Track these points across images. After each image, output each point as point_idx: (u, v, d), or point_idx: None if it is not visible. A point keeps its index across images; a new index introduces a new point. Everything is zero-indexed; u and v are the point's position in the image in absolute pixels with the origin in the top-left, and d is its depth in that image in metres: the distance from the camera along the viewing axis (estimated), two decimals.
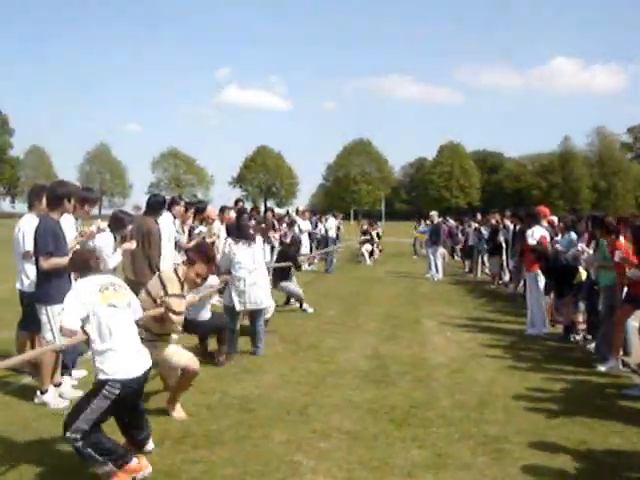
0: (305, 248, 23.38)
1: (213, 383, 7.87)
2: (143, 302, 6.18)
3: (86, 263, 5.49)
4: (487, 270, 21.85)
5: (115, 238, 8.47)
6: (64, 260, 6.77)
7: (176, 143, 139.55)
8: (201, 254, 6.56)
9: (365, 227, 30.15)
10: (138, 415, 5.41)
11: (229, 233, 10.50)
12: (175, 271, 6.58)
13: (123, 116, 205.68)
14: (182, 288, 6.45)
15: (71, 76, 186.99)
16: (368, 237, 29.10)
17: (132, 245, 8.43)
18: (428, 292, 18.20)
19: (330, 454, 5.72)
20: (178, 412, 6.62)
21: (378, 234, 31.17)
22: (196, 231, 11.87)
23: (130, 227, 8.67)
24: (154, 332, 6.43)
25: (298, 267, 13.84)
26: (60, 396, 7.02)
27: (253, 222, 16.57)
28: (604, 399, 7.60)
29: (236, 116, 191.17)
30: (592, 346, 10.04)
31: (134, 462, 5.05)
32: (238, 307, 9.39)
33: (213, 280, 8.24)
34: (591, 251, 10.00)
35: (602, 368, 8.82)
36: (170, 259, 9.83)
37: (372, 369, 8.77)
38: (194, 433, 6.16)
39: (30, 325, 7.42)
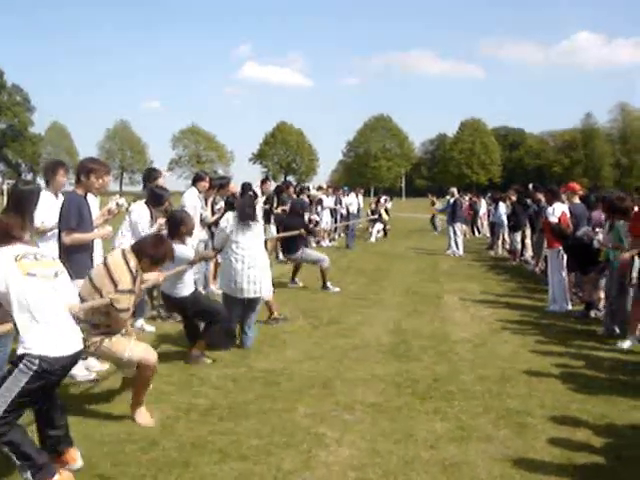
0: (326, 224, 23.46)
1: (237, 357, 7.96)
2: (82, 288, 5.69)
3: (5, 232, 4.66)
4: (507, 246, 21.83)
5: (152, 214, 8.61)
6: (87, 236, 6.87)
7: (196, 120, 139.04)
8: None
9: (373, 206, 29.72)
10: (53, 407, 4.77)
11: (229, 206, 10.37)
12: (124, 256, 5.77)
13: (143, 93, 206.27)
14: (134, 276, 5.69)
15: (92, 53, 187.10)
16: (376, 216, 28.57)
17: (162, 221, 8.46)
18: (449, 268, 18.23)
19: (354, 426, 5.79)
20: (142, 417, 5.79)
21: (387, 210, 30.57)
22: (217, 206, 11.94)
23: (167, 203, 8.84)
24: (98, 324, 5.70)
25: (309, 232, 13.65)
26: (87, 369, 7.12)
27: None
28: (625, 374, 7.61)
29: (256, 92, 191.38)
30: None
31: (55, 479, 4.37)
32: (235, 293, 8.43)
33: (187, 251, 7.65)
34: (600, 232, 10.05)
35: (623, 346, 8.83)
36: (195, 234, 9.96)
37: (395, 343, 8.83)
38: (220, 405, 6.24)
39: None
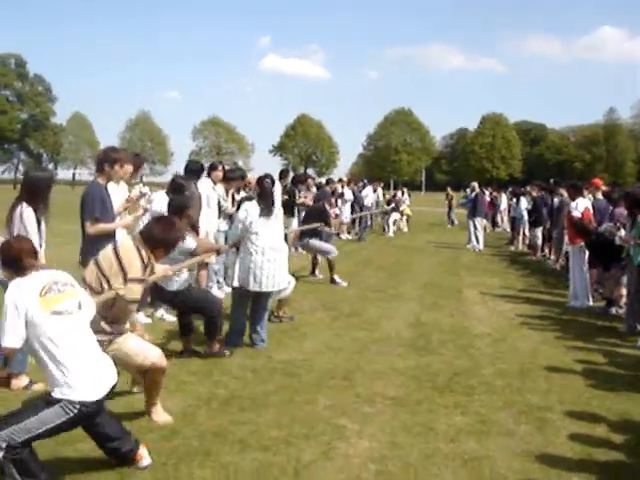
0: (346, 219, 23.43)
1: (257, 348, 7.99)
2: (87, 272, 5.45)
3: (15, 259, 4.36)
4: (527, 241, 21.77)
5: None
6: (110, 226, 6.92)
7: (217, 111, 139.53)
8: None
9: (389, 197, 29.45)
10: (102, 424, 4.55)
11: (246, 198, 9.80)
12: (135, 243, 5.55)
13: (164, 84, 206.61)
14: (145, 264, 5.49)
15: (113, 45, 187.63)
16: (389, 208, 27.73)
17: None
18: (469, 262, 18.21)
19: (374, 419, 5.80)
20: (159, 415, 5.64)
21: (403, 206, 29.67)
22: (238, 197, 11.99)
23: (188, 192, 8.86)
24: (105, 316, 5.29)
25: (328, 225, 13.37)
26: None
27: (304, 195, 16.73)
28: None
29: (276, 84, 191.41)
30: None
31: None
32: (252, 286, 7.94)
33: (190, 243, 7.38)
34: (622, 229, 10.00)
35: None
36: (210, 224, 10.02)
37: (415, 337, 8.83)
38: (240, 395, 6.27)
39: None
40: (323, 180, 26.27)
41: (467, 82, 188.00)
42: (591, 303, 11.40)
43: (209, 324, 7.59)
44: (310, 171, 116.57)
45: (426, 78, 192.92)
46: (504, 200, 31.47)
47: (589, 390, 6.78)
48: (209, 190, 10.47)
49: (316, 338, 8.62)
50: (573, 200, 11.77)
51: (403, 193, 31.52)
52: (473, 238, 21.85)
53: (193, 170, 10.11)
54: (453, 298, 12.01)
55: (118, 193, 7.69)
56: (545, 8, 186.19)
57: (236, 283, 8.16)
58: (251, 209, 8.03)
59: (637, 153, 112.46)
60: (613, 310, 10.81)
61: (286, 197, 15.71)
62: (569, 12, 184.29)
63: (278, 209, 8.55)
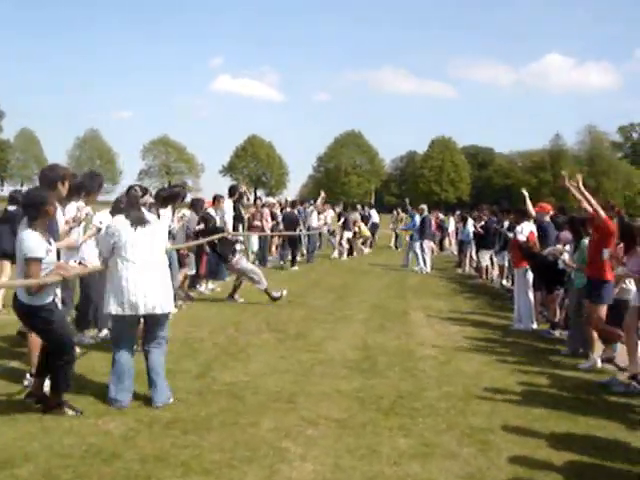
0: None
1: (202, 370, 7.92)
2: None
3: None
4: (474, 264, 21.97)
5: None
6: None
7: (167, 131, 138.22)
8: None
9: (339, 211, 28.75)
10: None
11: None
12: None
13: (114, 103, 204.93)
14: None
15: (62, 62, 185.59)
16: (342, 221, 26.68)
17: None
18: (416, 285, 18.30)
19: (318, 442, 5.77)
20: None
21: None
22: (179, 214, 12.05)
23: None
24: None
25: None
26: None
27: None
28: (588, 393, 7.68)
29: (228, 105, 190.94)
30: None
31: None
32: (114, 310, 6.46)
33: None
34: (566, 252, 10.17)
35: (585, 366, 8.91)
36: None
37: (360, 359, 8.83)
38: (183, 418, 6.20)
39: None
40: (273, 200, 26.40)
41: (417, 106, 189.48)
42: (535, 326, 11.54)
43: (58, 369, 6.18)
44: (260, 192, 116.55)
45: (376, 101, 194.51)
46: (452, 223, 31.75)
47: (532, 412, 6.84)
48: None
49: (261, 360, 8.57)
50: (518, 224, 11.95)
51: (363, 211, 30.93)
52: (421, 260, 21.93)
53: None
54: (399, 320, 12.04)
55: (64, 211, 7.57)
56: (494, 34, 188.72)
57: (111, 308, 6.55)
58: (119, 221, 6.64)
59: (582, 178, 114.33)
60: (557, 333, 10.96)
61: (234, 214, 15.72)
62: (517, 39, 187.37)
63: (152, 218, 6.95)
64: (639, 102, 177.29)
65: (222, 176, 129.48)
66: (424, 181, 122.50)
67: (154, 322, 6.68)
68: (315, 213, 24.38)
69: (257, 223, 20.30)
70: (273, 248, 22.45)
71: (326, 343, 9.73)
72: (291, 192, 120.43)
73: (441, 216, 34.17)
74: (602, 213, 8.80)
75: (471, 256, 22.78)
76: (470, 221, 22.47)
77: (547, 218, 12.57)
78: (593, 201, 8.88)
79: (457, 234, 28.23)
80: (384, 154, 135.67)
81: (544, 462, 5.52)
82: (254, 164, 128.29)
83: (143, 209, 6.78)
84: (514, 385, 7.87)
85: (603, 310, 8.83)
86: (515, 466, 5.39)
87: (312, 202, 28.58)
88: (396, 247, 33.33)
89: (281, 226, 22.07)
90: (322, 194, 24.68)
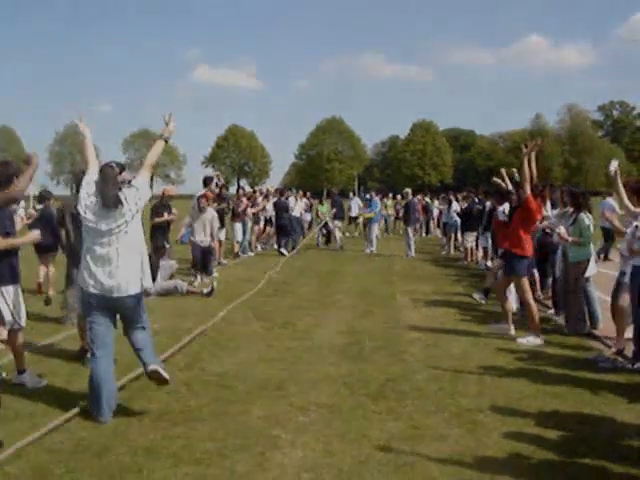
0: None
1: (190, 360, 7.93)
2: None
3: None
4: (461, 247, 22.02)
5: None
6: (17, 241, 6.77)
7: (147, 123, 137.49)
8: None
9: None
10: None
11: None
12: None
13: (94, 97, 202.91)
14: None
15: (40, 56, 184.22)
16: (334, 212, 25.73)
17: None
18: (402, 269, 18.34)
19: (308, 428, 5.81)
20: None
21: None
22: None
23: None
24: None
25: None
26: (39, 375, 7.03)
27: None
28: (575, 370, 7.73)
29: (208, 96, 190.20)
30: (561, 318, 10.30)
31: None
32: (92, 289, 5.98)
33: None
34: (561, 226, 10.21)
35: (522, 341, 9.13)
36: None
37: (348, 345, 8.86)
38: (173, 410, 6.21)
39: None
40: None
41: (397, 90, 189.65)
42: (518, 305, 11.57)
43: None
44: (243, 182, 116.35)
45: (357, 87, 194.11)
46: (435, 206, 31.85)
47: (520, 391, 6.90)
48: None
49: (250, 349, 8.59)
50: (500, 205, 12.02)
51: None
52: (411, 245, 21.96)
53: None
54: (386, 305, 12.08)
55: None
56: (474, 17, 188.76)
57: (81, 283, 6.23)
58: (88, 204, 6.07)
59: (563, 157, 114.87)
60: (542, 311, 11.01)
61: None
62: (497, 21, 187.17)
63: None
64: (617, 81, 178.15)
65: (204, 167, 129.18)
66: (407, 165, 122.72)
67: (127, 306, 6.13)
68: (298, 202, 24.45)
69: (240, 211, 20.20)
70: (253, 238, 22.30)
71: (313, 330, 9.76)
72: (274, 181, 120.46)
73: (427, 199, 34.22)
74: (527, 189, 9.29)
75: (456, 238, 22.86)
76: (454, 204, 22.53)
77: None
78: (527, 175, 9.48)
79: (441, 217, 28.27)
80: (366, 140, 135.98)
81: (533, 439, 5.57)
82: (236, 154, 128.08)
83: (122, 187, 6.09)
84: (501, 365, 7.92)
85: (526, 283, 9.44)
86: (504, 444, 5.44)
87: (296, 191, 28.50)
88: (387, 231, 33.31)
89: (271, 213, 22.57)
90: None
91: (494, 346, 8.88)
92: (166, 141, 6.58)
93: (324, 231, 26.50)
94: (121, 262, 5.96)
